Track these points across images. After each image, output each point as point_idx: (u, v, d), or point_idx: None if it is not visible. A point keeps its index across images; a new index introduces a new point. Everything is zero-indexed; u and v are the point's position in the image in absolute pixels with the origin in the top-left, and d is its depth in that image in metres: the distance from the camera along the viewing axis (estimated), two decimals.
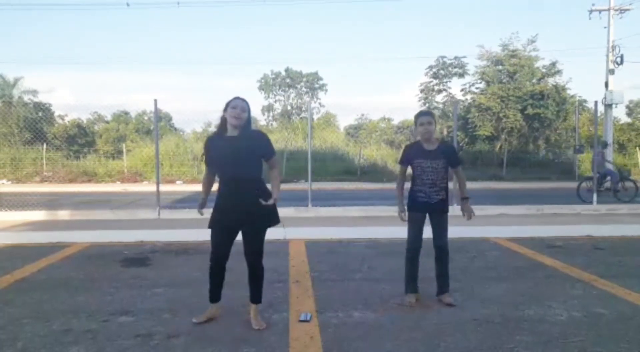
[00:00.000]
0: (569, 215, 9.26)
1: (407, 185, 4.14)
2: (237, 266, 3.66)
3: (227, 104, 3.40)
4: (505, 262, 5.54)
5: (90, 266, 5.40)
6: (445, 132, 25.02)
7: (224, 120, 3.42)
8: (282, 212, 10.11)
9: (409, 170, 4.10)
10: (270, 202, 3.39)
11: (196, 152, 19.19)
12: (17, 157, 19.74)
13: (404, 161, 4.10)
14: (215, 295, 3.64)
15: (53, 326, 3.53)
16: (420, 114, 4.03)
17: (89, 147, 24.94)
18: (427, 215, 4.04)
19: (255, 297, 3.58)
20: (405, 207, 4.09)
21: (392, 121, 34.55)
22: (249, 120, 3.42)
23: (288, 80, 37.52)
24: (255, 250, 3.51)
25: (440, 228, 4.02)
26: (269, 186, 3.49)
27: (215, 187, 3.62)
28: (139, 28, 63.42)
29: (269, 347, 3.18)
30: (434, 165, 3.93)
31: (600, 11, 21.25)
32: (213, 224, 3.50)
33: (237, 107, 3.35)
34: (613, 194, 11.54)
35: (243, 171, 3.37)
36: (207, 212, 3.60)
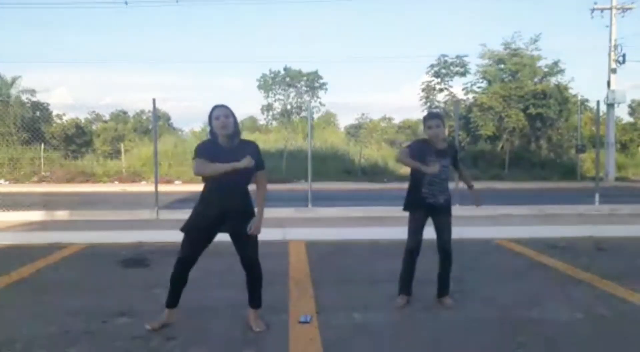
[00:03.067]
0: (571, 215, 9.23)
1: (400, 185, 4.08)
2: (238, 267, 3.63)
3: (210, 116, 3.35)
4: (507, 263, 5.51)
5: (89, 266, 5.38)
6: (446, 132, 24.98)
7: (214, 134, 3.36)
8: (282, 212, 10.16)
9: (408, 170, 4.04)
10: (258, 226, 3.38)
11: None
12: (14, 157, 19.68)
13: (412, 153, 3.87)
14: (175, 300, 3.51)
15: (51, 327, 3.50)
16: (429, 117, 3.95)
17: (87, 147, 24.90)
18: (430, 217, 3.97)
19: (256, 302, 3.53)
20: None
21: (393, 121, 34.54)
22: (236, 124, 3.36)
23: (288, 79, 37.43)
24: (254, 254, 3.46)
25: (445, 231, 3.95)
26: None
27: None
28: (137, 27, 63.39)
29: (269, 348, 3.15)
30: (444, 164, 3.88)
31: (602, 10, 21.27)
32: (190, 229, 3.39)
33: (220, 116, 3.29)
34: None
35: (237, 182, 3.31)
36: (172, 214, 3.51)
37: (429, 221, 4.00)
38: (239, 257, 3.46)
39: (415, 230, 3.96)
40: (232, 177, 3.25)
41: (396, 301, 3.98)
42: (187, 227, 3.41)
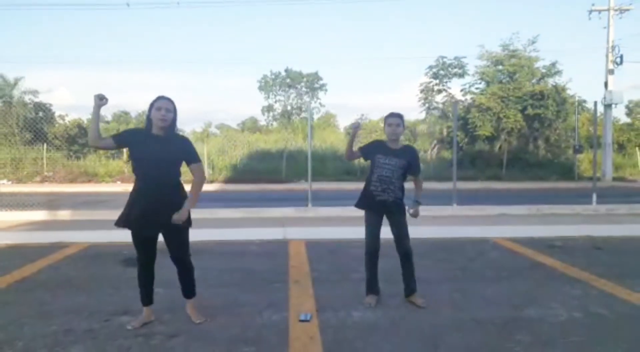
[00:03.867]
0: (568, 215, 9.26)
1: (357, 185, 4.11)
2: (236, 266, 3.67)
3: (152, 104, 3.34)
4: (505, 263, 5.54)
5: (91, 266, 5.40)
6: (445, 133, 25.01)
7: (149, 121, 3.35)
8: (282, 212, 10.18)
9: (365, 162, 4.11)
10: (180, 214, 3.31)
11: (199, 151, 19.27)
12: (17, 157, 19.71)
13: (364, 150, 4.11)
14: (148, 298, 3.59)
15: (54, 325, 3.54)
16: (390, 115, 4.07)
17: (89, 147, 24.85)
18: (385, 216, 4.01)
19: (188, 292, 3.59)
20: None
21: None
22: (174, 120, 3.38)
23: (288, 80, 37.48)
24: (179, 253, 3.50)
25: (399, 230, 3.98)
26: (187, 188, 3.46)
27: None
28: (139, 28, 63.40)
29: (269, 347, 3.18)
30: (392, 163, 3.94)
31: (600, 11, 21.33)
32: (125, 225, 3.39)
33: (162, 108, 3.30)
34: None
35: (164, 173, 3.33)
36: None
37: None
38: (169, 252, 3.50)
39: (371, 232, 4.02)
40: (156, 169, 3.29)
41: (365, 301, 4.03)
42: (121, 223, 3.39)
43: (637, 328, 3.53)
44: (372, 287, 4.08)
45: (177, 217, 3.31)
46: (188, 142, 3.52)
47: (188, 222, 3.43)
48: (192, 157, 3.46)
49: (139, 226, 3.35)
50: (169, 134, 3.38)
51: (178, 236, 3.45)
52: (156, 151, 3.29)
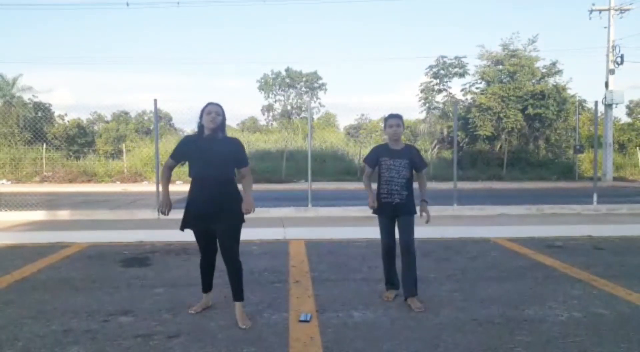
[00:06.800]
0: (569, 215, 9.27)
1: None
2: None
3: (202, 111, 3.60)
4: (505, 262, 5.54)
5: (90, 266, 5.40)
6: (445, 132, 25.01)
7: (201, 127, 3.60)
8: (282, 212, 10.18)
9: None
10: (250, 205, 3.57)
11: None
12: (17, 157, 19.75)
13: (369, 160, 4.17)
14: (206, 286, 3.85)
15: (53, 326, 3.54)
16: (389, 117, 4.12)
17: (89, 147, 24.89)
18: (395, 217, 4.07)
19: (237, 295, 3.62)
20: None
21: None
22: (223, 122, 3.62)
23: (288, 80, 37.47)
24: (229, 248, 3.58)
25: (405, 228, 4.02)
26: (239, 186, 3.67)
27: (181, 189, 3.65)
28: (138, 28, 63.42)
29: (269, 347, 3.17)
30: (397, 163, 4.01)
31: (600, 11, 21.33)
32: (186, 225, 3.64)
33: (212, 112, 3.56)
34: None
35: (219, 171, 3.53)
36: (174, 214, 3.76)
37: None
38: (220, 249, 3.62)
39: (383, 232, 4.12)
40: (210, 168, 3.51)
41: (384, 296, 4.14)
42: (183, 224, 3.65)
43: (637, 328, 3.53)
44: (390, 281, 4.21)
45: (247, 206, 3.54)
46: (239, 144, 3.68)
47: (241, 219, 3.60)
48: (242, 161, 3.65)
49: (200, 221, 3.56)
50: (219, 135, 3.59)
51: (230, 233, 3.57)
52: (208, 150, 3.51)
